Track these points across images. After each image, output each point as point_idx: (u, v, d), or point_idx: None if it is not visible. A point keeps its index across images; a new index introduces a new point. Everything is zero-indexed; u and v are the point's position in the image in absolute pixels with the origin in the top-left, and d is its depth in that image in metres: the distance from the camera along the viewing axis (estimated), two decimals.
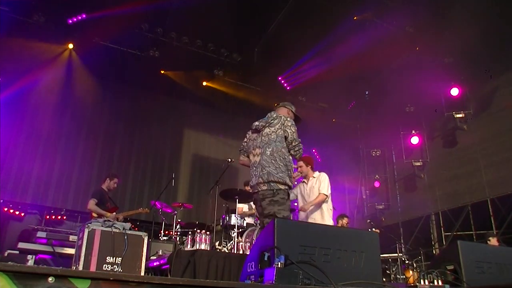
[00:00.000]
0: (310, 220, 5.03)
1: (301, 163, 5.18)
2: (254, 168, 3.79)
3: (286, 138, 3.77)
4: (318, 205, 5.09)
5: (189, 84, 10.05)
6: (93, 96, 9.46)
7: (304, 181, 5.35)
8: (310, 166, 5.26)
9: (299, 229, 2.96)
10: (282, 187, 3.65)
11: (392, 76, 9.24)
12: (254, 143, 3.90)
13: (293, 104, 4.19)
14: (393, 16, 7.86)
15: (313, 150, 11.73)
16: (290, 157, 3.80)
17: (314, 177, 5.21)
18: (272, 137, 3.75)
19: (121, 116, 9.81)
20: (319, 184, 5.10)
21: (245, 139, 4.09)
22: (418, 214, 9.48)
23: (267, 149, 3.72)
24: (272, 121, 3.83)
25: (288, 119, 3.88)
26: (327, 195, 5.05)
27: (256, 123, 3.95)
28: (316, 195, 5.05)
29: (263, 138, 3.80)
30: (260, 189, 3.68)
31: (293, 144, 3.79)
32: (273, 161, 3.67)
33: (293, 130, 3.80)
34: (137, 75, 9.66)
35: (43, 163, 8.57)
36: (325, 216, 5.03)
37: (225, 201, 6.03)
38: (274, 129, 3.78)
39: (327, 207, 5.09)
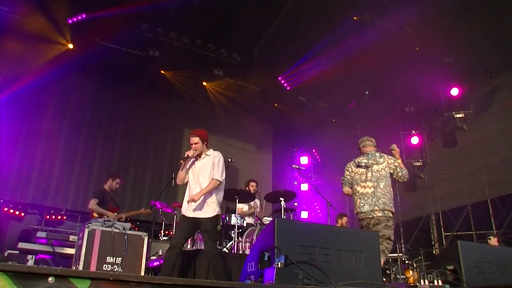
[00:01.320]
0: (189, 213, 4.26)
1: (197, 139, 4.41)
2: (366, 198, 4.58)
3: (391, 174, 4.70)
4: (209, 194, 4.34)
5: (189, 84, 10.04)
6: (93, 96, 9.47)
7: (196, 158, 4.57)
8: (206, 143, 4.53)
9: (299, 229, 2.96)
10: (391, 214, 4.54)
11: (392, 76, 9.22)
12: (362, 176, 4.72)
13: (372, 137, 5.08)
14: (393, 16, 7.85)
15: (313, 150, 11.73)
16: (391, 189, 4.68)
17: (208, 154, 4.49)
18: (382, 173, 4.66)
19: (121, 116, 9.81)
20: (212, 166, 4.36)
21: (347, 173, 4.90)
22: (418, 214, 9.46)
23: (380, 183, 4.59)
24: (379, 159, 4.77)
25: (390, 156, 4.83)
26: (220, 181, 4.34)
27: (365, 160, 4.77)
28: (206, 175, 4.33)
29: (373, 173, 4.67)
30: (375, 215, 4.49)
31: (399, 174, 4.70)
32: (386, 194, 4.55)
33: (396, 165, 4.74)
34: (137, 75, 9.66)
35: (43, 163, 8.57)
36: (205, 209, 4.24)
37: (225, 201, 6.02)
38: (382, 166, 4.70)
39: (212, 200, 4.29)
